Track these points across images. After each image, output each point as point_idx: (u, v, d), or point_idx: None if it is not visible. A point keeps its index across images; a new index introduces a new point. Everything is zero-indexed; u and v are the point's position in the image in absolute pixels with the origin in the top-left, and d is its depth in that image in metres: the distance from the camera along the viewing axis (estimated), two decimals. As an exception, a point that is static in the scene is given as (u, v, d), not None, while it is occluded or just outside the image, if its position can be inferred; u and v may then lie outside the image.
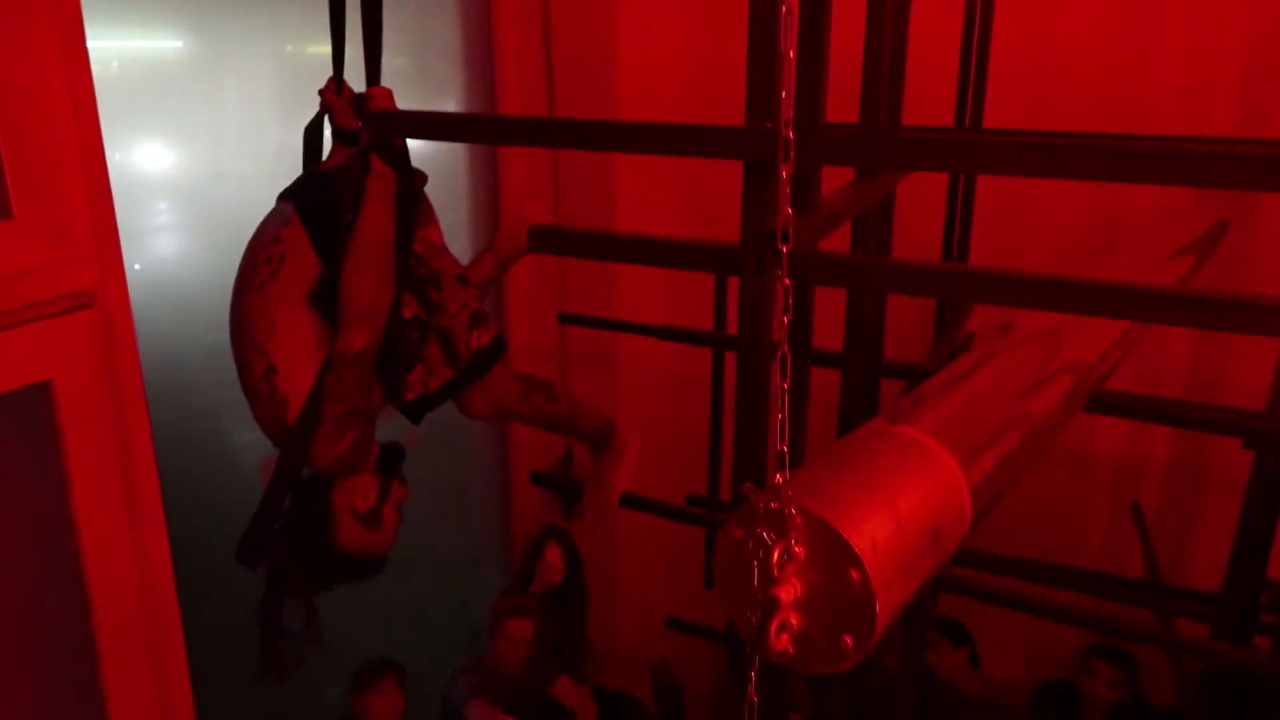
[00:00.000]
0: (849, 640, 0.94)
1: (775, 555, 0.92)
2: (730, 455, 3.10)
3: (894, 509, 0.99)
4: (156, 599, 1.92)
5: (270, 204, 1.83)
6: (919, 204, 2.26)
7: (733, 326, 2.80)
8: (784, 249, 0.91)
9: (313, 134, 1.89)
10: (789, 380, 0.87)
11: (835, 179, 1.59)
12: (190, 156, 2.43)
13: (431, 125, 1.68)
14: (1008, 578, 2.53)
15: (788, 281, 0.89)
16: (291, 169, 1.91)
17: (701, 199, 2.01)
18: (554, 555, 3.89)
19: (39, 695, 1.94)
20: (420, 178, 1.84)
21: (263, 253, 1.75)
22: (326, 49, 1.88)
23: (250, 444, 2.74)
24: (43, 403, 1.72)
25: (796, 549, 0.92)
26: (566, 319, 3.32)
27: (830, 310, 1.94)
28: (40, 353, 1.69)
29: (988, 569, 2.81)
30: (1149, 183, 0.89)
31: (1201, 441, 3.57)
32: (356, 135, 1.77)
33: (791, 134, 0.81)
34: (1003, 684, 3.94)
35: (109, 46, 1.77)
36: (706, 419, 3.02)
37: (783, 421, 0.88)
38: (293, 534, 1.73)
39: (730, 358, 2.93)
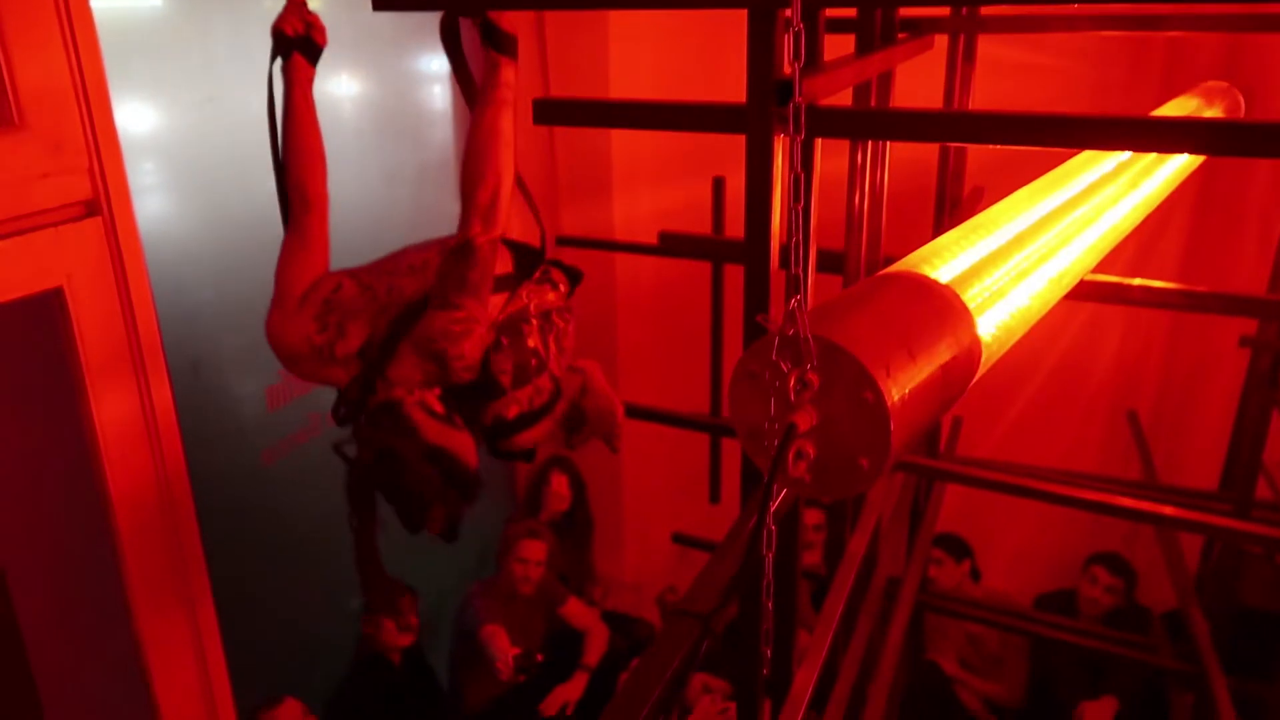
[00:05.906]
0: (865, 463, 0.96)
1: (791, 383, 0.93)
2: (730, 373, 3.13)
3: (905, 340, 1.01)
4: (175, 498, 1.95)
5: (256, 159, 1.65)
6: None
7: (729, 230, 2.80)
8: (795, 76, 0.92)
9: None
10: (802, 203, 0.89)
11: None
12: (174, 116, 2.38)
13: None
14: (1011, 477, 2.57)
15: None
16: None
17: (693, 86, 2.00)
18: (560, 484, 3.94)
19: (65, 604, 1.98)
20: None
21: None
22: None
23: (253, 395, 2.77)
24: (55, 309, 1.74)
25: (812, 376, 0.94)
26: (563, 241, 3.32)
27: (831, 216, 1.95)
28: (50, 260, 1.71)
29: (993, 469, 2.86)
30: (1154, 30, 0.90)
31: (1195, 350, 3.62)
32: (321, 51, 1.59)
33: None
34: (1003, 596, 4.02)
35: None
36: (705, 338, 3.04)
37: (796, 244, 0.89)
38: (381, 435, 1.60)
39: (728, 269, 2.94)
